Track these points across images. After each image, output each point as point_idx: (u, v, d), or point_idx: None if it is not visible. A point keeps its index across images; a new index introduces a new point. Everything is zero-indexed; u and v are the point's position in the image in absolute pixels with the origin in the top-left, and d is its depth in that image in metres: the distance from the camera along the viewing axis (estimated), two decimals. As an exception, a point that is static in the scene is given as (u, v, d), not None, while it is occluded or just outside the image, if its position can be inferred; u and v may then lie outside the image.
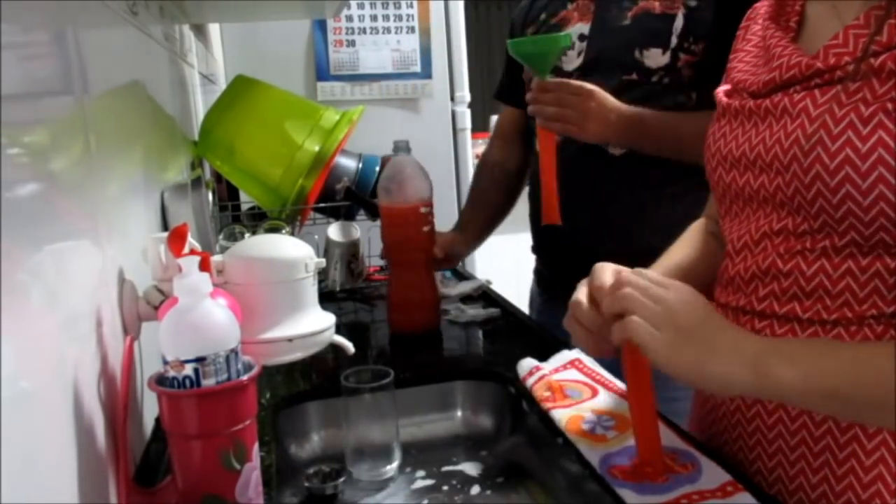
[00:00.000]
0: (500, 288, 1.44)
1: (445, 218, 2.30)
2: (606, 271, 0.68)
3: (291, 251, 0.76)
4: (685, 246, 0.88)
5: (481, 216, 1.48)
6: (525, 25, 1.34)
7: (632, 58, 1.16)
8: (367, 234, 1.51)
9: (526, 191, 1.46)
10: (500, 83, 1.46)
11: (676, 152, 1.15)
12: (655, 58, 1.15)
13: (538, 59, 1.13)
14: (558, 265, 1.38)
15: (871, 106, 0.58)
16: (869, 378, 0.56)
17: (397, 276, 1.21)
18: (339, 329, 0.82)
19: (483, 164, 1.52)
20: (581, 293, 0.69)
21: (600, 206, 1.25)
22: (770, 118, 0.67)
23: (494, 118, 1.54)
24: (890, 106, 0.58)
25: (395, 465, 0.83)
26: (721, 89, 0.78)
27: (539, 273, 1.45)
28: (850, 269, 0.63)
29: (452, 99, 2.35)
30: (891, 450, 0.63)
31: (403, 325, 1.20)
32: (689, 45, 1.14)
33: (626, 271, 0.67)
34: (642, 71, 1.16)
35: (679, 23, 1.14)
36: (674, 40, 1.14)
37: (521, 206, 1.48)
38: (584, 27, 1.23)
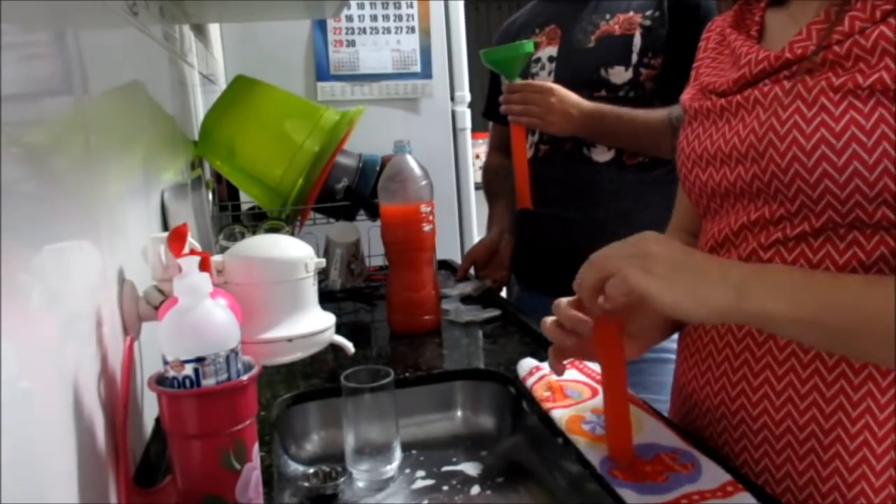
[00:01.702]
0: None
1: (445, 218, 2.30)
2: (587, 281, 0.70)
3: (291, 251, 0.76)
4: None
5: (503, 203, 1.57)
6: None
7: (598, 76, 1.29)
8: (367, 234, 1.51)
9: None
10: (486, 102, 1.61)
11: (633, 144, 1.28)
12: (619, 74, 1.28)
13: (505, 64, 1.30)
14: (536, 257, 1.44)
15: (840, 91, 0.61)
16: (845, 302, 0.58)
17: (397, 276, 1.21)
18: (339, 329, 0.82)
19: (487, 168, 1.64)
20: (564, 299, 0.71)
21: (584, 210, 1.34)
22: (742, 111, 0.69)
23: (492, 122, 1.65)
24: (855, 87, 0.60)
25: (395, 465, 0.83)
26: (686, 95, 0.80)
27: (516, 262, 1.51)
28: (829, 253, 0.64)
29: (452, 99, 2.35)
30: (874, 433, 0.64)
31: (403, 326, 1.20)
32: (648, 59, 1.27)
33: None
34: (609, 87, 1.28)
35: (637, 41, 1.27)
36: (634, 57, 1.27)
37: (521, 207, 1.49)
38: (552, 50, 1.36)
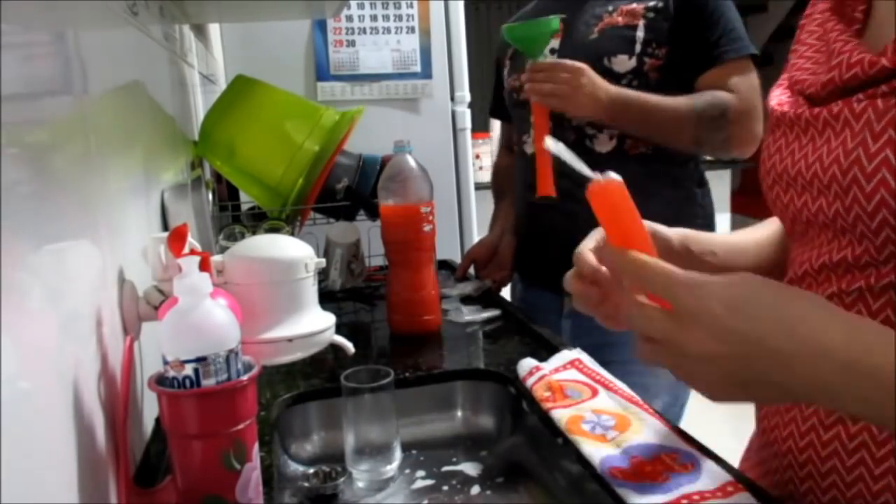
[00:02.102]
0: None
1: (445, 218, 2.30)
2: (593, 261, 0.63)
3: (291, 251, 0.76)
4: (755, 231, 0.80)
5: (507, 202, 1.57)
6: (507, 45, 1.46)
7: (602, 65, 1.27)
8: (367, 234, 1.51)
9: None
10: (492, 101, 1.60)
11: (656, 132, 1.26)
12: (623, 63, 1.27)
13: (529, 42, 1.25)
14: (539, 253, 1.43)
15: None
16: None
17: (397, 276, 1.21)
18: (339, 329, 0.82)
19: (497, 167, 1.66)
20: (586, 244, 0.64)
21: (586, 203, 1.28)
22: (828, 131, 0.59)
23: (494, 120, 1.65)
24: None
25: (395, 465, 0.83)
26: (775, 93, 0.70)
27: (519, 259, 1.51)
28: None
29: (452, 99, 2.35)
30: None
31: (403, 326, 1.20)
32: (652, 49, 1.26)
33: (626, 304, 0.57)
34: (612, 76, 1.26)
35: (641, 32, 1.26)
36: (638, 47, 1.26)
37: (521, 207, 1.49)
38: (555, 43, 1.34)
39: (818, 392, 0.48)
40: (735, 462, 0.73)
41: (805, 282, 0.65)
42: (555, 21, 1.24)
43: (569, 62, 1.22)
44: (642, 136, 1.28)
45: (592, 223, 0.65)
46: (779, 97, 0.68)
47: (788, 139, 0.65)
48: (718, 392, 0.51)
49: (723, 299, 0.49)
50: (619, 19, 1.28)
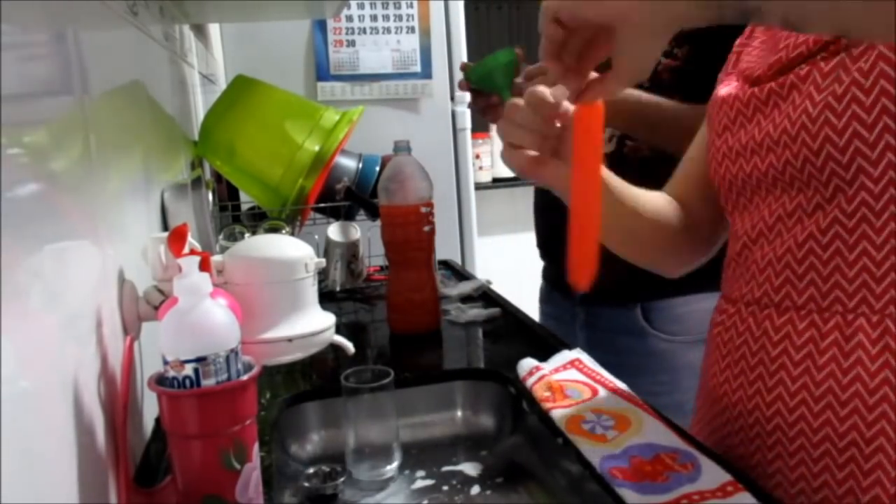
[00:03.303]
0: (500, 288, 1.44)
1: (445, 218, 2.30)
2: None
3: (291, 251, 0.76)
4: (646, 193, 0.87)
5: None
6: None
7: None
8: (367, 234, 1.51)
9: (527, 190, 1.46)
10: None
11: (666, 139, 1.15)
12: None
13: (488, 80, 1.11)
14: (556, 257, 1.40)
15: (875, 69, 0.59)
16: None
17: (397, 276, 1.21)
18: (339, 329, 0.82)
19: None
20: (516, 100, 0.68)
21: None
22: (776, 99, 0.68)
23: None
24: (887, 67, 0.59)
25: (395, 465, 0.83)
26: (723, 87, 0.77)
27: (544, 268, 1.48)
28: (866, 249, 0.62)
29: (452, 99, 2.35)
30: None
31: (403, 326, 1.20)
32: (671, 48, 1.16)
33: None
34: None
35: None
36: None
37: (521, 207, 1.48)
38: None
39: None
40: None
41: (759, 242, 0.71)
42: (507, 52, 1.08)
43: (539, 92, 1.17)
44: (653, 143, 1.20)
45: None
46: (727, 90, 0.75)
47: (733, 119, 0.72)
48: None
49: None
50: None
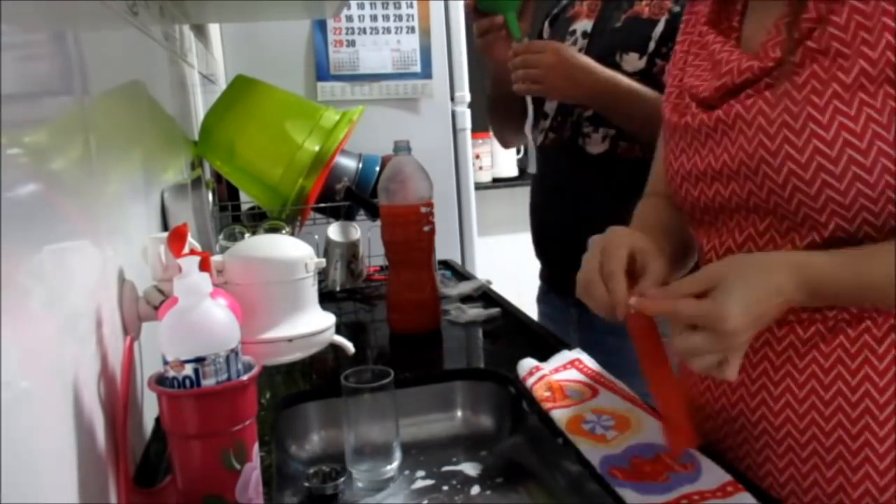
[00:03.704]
0: (500, 288, 1.44)
1: (445, 218, 2.30)
2: (617, 254, 0.67)
3: (291, 251, 0.76)
4: (651, 212, 0.87)
5: None
6: (547, 16, 1.39)
7: (612, 60, 1.19)
8: (367, 234, 1.51)
9: (527, 190, 1.46)
10: None
11: (644, 128, 1.14)
12: (632, 62, 1.18)
13: (500, 3, 1.16)
14: (550, 258, 1.41)
15: (825, 94, 0.59)
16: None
17: (397, 277, 1.20)
18: (339, 329, 0.82)
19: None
20: (592, 266, 0.69)
21: (575, 202, 1.28)
22: (724, 129, 0.67)
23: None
24: (839, 88, 0.59)
25: (395, 465, 0.83)
26: (667, 101, 0.77)
27: (541, 268, 1.48)
28: None
29: (452, 99, 2.35)
30: None
31: (403, 326, 1.20)
32: (666, 50, 1.16)
33: (640, 255, 0.67)
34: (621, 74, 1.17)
35: (660, 28, 1.17)
36: (651, 45, 1.18)
37: (521, 207, 1.48)
38: (588, 24, 1.27)
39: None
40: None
41: (729, 255, 0.71)
42: None
43: (540, 42, 1.14)
44: (631, 130, 1.20)
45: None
46: (673, 107, 0.75)
47: (688, 142, 0.72)
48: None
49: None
50: (646, 9, 1.20)
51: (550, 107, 1.32)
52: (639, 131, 1.18)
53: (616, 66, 1.18)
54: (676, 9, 1.16)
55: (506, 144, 1.59)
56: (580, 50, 1.24)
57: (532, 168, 1.50)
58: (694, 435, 0.68)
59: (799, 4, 0.61)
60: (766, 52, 0.64)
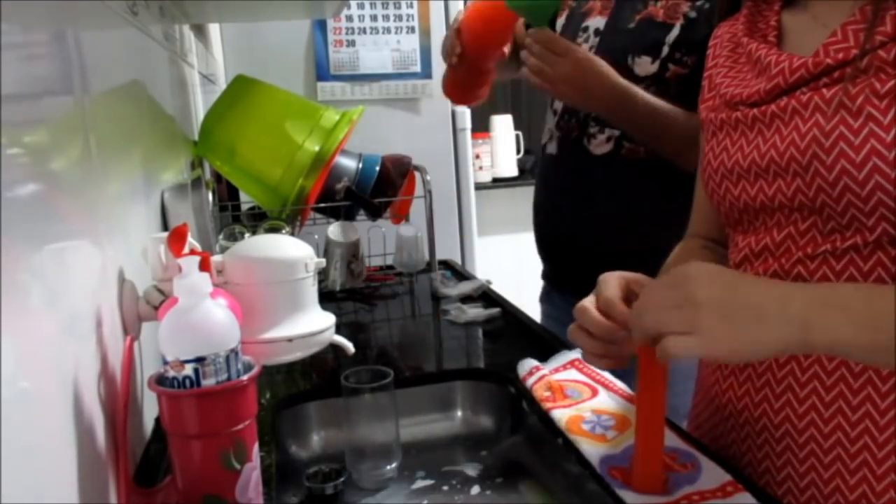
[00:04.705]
0: (500, 288, 1.44)
1: (445, 218, 2.30)
2: (611, 283, 0.66)
3: (291, 251, 0.76)
4: (688, 256, 0.84)
5: None
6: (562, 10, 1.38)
7: (624, 63, 1.17)
8: (367, 234, 1.51)
9: (527, 190, 1.46)
10: None
11: (658, 143, 1.15)
12: (644, 66, 1.16)
13: (532, 9, 1.13)
14: (553, 257, 1.40)
15: (887, 98, 0.57)
16: None
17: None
18: (339, 329, 0.82)
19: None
20: (588, 301, 0.67)
21: (579, 203, 1.28)
22: (777, 122, 0.65)
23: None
24: None
25: (395, 465, 0.83)
26: (704, 106, 0.76)
27: (543, 268, 1.47)
28: (882, 261, 0.61)
29: (452, 99, 2.35)
30: None
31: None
32: (680, 55, 1.14)
33: (634, 283, 0.65)
34: (632, 77, 1.15)
35: (674, 33, 1.15)
36: (665, 50, 1.15)
37: (521, 207, 1.48)
38: (600, 22, 1.25)
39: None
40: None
41: (762, 256, 0.70)
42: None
43: (564, 45, 1.11)
44: (645, 143, 1.19)
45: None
46: (713, 109, 0.73)
47: (733, 138, 0.70)
48: (717, 335, 0.56)
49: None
50: (660, 12, 1.17)
51: (559, 105, 1.32)
52: (652, 145, 1.16)
53: (628, 70, 1.16)
54: (693, 14, 1.14)
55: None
56: (591, 48, 1.22)
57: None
58: (662, 485, 0.66)
59: (874, 15, 0.59)
60: (828, 52, 0.62)
